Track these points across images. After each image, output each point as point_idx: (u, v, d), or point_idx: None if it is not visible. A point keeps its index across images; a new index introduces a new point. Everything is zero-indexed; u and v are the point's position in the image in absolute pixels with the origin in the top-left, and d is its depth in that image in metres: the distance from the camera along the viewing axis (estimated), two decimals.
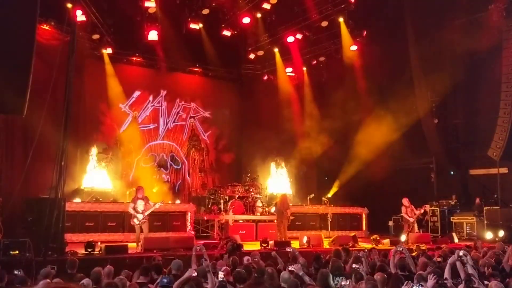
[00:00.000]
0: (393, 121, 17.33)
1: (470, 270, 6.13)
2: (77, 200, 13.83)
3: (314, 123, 19.26)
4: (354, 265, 6.22)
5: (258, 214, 15.86)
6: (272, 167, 19.02)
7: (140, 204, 11.50)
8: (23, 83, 8.90)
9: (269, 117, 19.67)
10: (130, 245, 10.96)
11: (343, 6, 16.69)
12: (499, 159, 16.27)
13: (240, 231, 13.96)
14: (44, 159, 11.97)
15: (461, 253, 6.44)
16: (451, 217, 16.86)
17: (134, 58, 17.87)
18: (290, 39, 18.18)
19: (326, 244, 13.26)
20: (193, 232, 14.17)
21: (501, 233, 15.06)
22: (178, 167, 19.01)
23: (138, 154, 18.01)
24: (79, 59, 12.67)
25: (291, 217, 14.49)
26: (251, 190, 16.19)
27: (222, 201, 15.32)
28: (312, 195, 17.76)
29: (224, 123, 20.29)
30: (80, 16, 14.13)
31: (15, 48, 8.96)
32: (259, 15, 17.22)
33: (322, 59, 19.40)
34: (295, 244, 12.29)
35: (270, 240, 12.32)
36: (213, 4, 16.56)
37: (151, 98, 18.73)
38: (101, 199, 14.25)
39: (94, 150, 15.62)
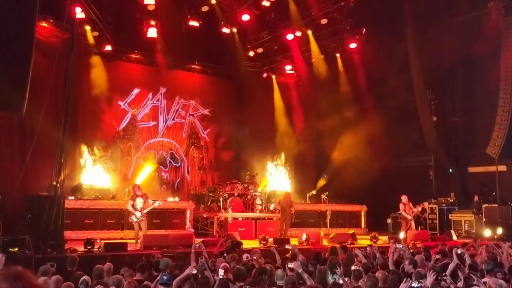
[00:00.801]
0: (392, 119, 17.36)
1: (468, 268, 6.15)
2: (76, 197, 13.83)
3: (314, 120, 19.29)
4: (353, 267, 6.21)
5: (257, 211, 15.88)
6: (271, 164, 19.03)
7: (139, 202, 11.48)
8: (23, 80, 8.89)
9: (268, 114, 19.68)
10: (129, 242, 10.98)
11: (342, 4, 16.69)
12: (497, 157, 16.31)
13: (239, 229, 13.97)
14: (44, 157, 11.98)
15: (459, 251, 6.47)
16: (450, 215, 16.90)
17: (133, 56, 17.85)
18: (290, 36, 18.18)
19: (325, 241, 13.29)
20: (192, 230, 14.19)
21: (499, 230, 15.10)
22: (178, 165, 19.01)
23: (138, 152, 18.02)
24: (78, 56, 12.66)
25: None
26: (250, 187, 16.20)
27: (221, 199, 15.33)
28: (311, 193, 17.78)
29: (224, 120, 20.28)
30: (79, 13, 14.12)
31: (14, 45, 8.95)
32: (258, 12, 17.20)
33: (321, 56, 19.41)
34: (294, 242, 12.31)
35: (269, 237, 12.35)
36: (213, 2, 16.55)
37: (150, 95, 18.71)
38: (100, 197, 14.26)
39: (93, 148, 15.61)
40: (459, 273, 6.15)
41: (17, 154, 13.15)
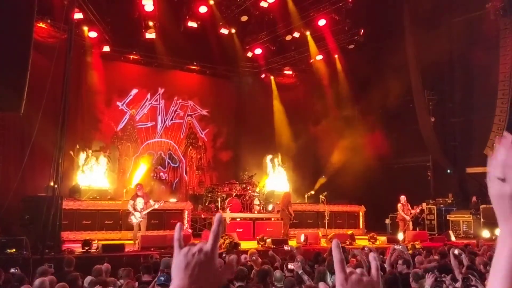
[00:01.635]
0: (390, 119, 17.37)
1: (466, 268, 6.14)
2: (74, 198, 13.81)
3: (312, 121, 19.30)
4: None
5: (256, 212, 15.86)
6: (270, 165, 19.02)
7: (140, 202, 11.45)
8: (21, 81, 8.88)
9: (266, 115, 19.68)
10: (127, 243, 10.96)
11: (340, 4, 16.71)
12: None
13: (238, 229, 13.95)
14: (42, 157, 11.97)
15: (456, 251, 6.46)
16: (448, 215, 16.91)
17: (131, 56, 17.82)
18: (288, 37, 18.19)
19: (323, 242, 13.28)
20: (190, 230, 14.17)
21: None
22: (176, 165, 19.01)
23: (136, 152, 18.00)
24: (76, 57, 12.65)
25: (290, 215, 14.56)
26: (248, 188, 16.19)
27: (219, 199, 15.32)
28: (309, 193, 17.78)
29: (222, 121, 20.27)
30: (77, 14, 14.08)
31: (12, 46, 8.95)
32: (257, 13, 17.21)
33: (320, 57, 19.43)
34: (292, 242, 12.31)
35: (267, 238, 12.34)
36: (211, 2, 16.55)
37: (148, 96, 18.70)
38: (98, 197, 14.24)
39: (91, 148, 15.58)
40: (456, 273, 6.15)
41: (15, 154, 13.11)
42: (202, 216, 15.47)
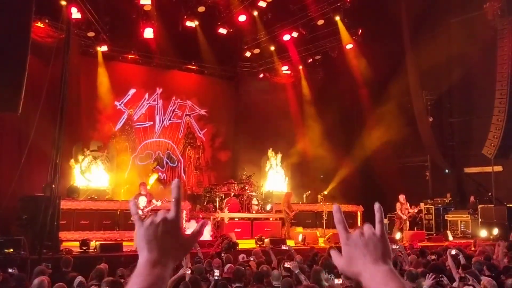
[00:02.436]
0: (388, 119, 17.38)
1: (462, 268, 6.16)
2: (72, 198, 13.79)
3: (310, 121, 19.30)
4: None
5: (254, 212, 15.86)
6: (268, 165, 19.02)
7: (142, 201, 11.43)
8: (18, 81, 8.88)
9: (265, 115, 19.67)
10: (125, 243, 10.94)
11: (339, 4, 16.72)
12: (493, 157, 16.33)
13: (236, 229, 13.96)
14: (39, 157, 11.94)
15: (453, 252, 6.47)
16: (446, 215, 16.92)
17: (129, 56, 17.80)
18: (286, 37, 18.20)
19: (321, 242, 13.29)
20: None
21: (495, 231, 15.13)
22: (174, 165, 18.99)
23: (134, 152, 17.98)
24: (74, 57, 12.63)
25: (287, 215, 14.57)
26: (246, 188, 16.18)
27: (217, 199, 15.31)
28: (308, 193, 17.78)
29: (220, 121, 20.26)
30: (75, 13, 14.08)
31: (10, 46, 8.94)
32: (255, 13, 17.21)
33: (318, 57, 19.47)
34: (290, 242, 12.31)
35: (265, 237, 12.34)
36: (209, 2, 16.54)
37: (146, 95, 18.68)
38: (96, 197, 14.22)
39: (89, 148, 15.57)
40: (454, 273, 6.16)
41: (13, 154, 13.08)
42: (201, 216, 15.43)
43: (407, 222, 14.51)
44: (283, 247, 9.55)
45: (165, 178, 18.57)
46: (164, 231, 1.18)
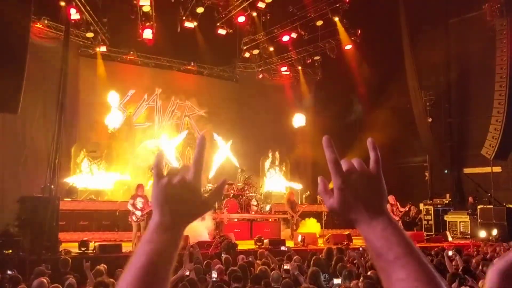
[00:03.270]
0: (387, 120, 17.38)
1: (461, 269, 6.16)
2: (71, 198, 13.78)
3: (309, 121, 19.31)
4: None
5: (253, 212, 15.85)
6: (267, 165, 19.02)
7: (139, 202, 11.43)
8: (17, 81, 8.88)
9: (264, 115, 19.66)
10: (124, 243, 10.93)
11: (338, 5, 16.74)
12: (492, 158, 16.34)
13: (235, 230, 13.94)
14: (38, 158, 11.93)
15: (450, 253, 6.47)
16: (445, 216, 16.93)
17: (128, 57, 17.77)
18: (285, 38, 18.21)
19: (320, 242, 13.29)
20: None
21: (494, 231, 15.15)
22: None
23: (133, 153, 17.94)
24: (73, 57, 12.63)
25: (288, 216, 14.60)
26: (245, 188, 16.17)
27: None
28: (307, 193, 17.77)
29: (219, 121, 20.24)
30: (74, 14, 14.06)
31: (9, 47, 8.94)
32: (254, 13, 17.22)
33: (317, 58, 19.48)
34: (289, 243, 12.31)
35: (264, 238, 12.33)
36: (208, 3, 16.55)
37: (146, 96, 18.65)
38: (95, 198, 14.21)
39: (88, 149, 15.55)
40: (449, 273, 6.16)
41: (12, 155, 13.08)
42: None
43: (400, 222, 14.47)
44: (282, 248, 9.55)
45: None
46: (180, 194, 1.05)
